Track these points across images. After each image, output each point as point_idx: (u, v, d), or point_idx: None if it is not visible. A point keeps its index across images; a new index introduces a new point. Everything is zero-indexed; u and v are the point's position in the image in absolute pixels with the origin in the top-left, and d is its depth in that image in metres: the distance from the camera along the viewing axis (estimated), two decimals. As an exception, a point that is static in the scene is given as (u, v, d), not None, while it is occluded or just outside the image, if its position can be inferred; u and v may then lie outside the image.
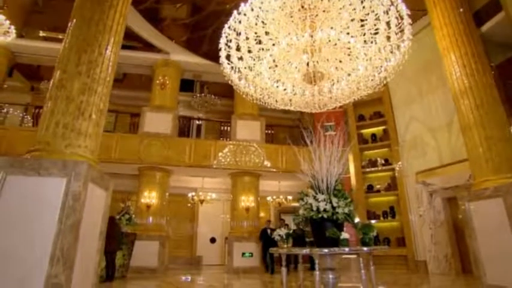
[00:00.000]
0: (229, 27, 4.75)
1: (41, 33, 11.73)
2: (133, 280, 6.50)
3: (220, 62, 5.40)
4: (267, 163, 9.96)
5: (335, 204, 3.68)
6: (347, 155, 4.24)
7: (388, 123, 9.76)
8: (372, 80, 5.20)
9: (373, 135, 10.16)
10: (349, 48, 4.68)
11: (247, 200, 9.39)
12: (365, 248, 3.33)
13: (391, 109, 9.70)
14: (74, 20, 3.74)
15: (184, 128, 11.57)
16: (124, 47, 11.17)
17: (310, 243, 3.94)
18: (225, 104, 13.66)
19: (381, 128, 10.09)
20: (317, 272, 3.20)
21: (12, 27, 8.84)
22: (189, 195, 11.73)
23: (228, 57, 5.15)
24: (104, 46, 3.67)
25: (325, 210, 3.65)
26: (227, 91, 11.66)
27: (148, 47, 11.36)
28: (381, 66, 4.97)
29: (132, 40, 11.91)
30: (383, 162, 9.64)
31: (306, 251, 3.38)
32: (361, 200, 9.13)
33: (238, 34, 4.88)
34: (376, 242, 8.50)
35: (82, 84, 3.34)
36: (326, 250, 3.20)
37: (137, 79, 13.86)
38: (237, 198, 9.63)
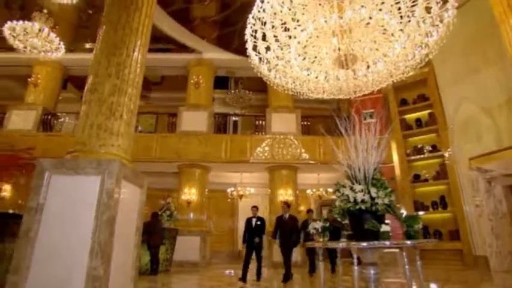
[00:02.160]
0: (253, 17, 4.64)
1: (87, 46, 12.62)
2: (176, 274, 6.77)
3: (248, 54, 5.32)
4: (305, 155, 9.72)
5: (374, 195, 3.41)
6: (386, 143, 3.92)
7: (434, 106, 8.95)
8: (411, 59, 4.74)
9: (418, 120, 9.40)
10: (382, 26, 4.31)
11: (285, 194, 9.26)
12: (408, 242, 3.04)
13: (437, 91, 8.87)
14: (104, 27, 3.90)
15: (221, 125, 11.73)
16: (159, 50, 11.78)
17: (349, 236, 3.72)
18: (260, 98, 13.62)
19: (426, 112, 9.30)
20: (355, 267, 2.99)
21: (62, 43, 9.60)
22: (229, 190, 11.92)
23: (255, 48, 5.06)
24: (131, 48, 3.77)
25: (363, 201, 3.41)
26: (261, 85, 11.56)
27: (182, 47, 11.66)
28: (422, 43, 4.51)
29: (166, 42, 12.36)
30: (430, 148, 8.88)
31: (342, 244, 3.18)
32: (407, 190, 8.51)
33: (264, 24, 4.76)
34: (426, 235, 7.92)
35: (112, 86, 3.47)
36: (364, 244, 2.97)
37: (174, 80, 14.31)
38: (274, 192, 9.55)
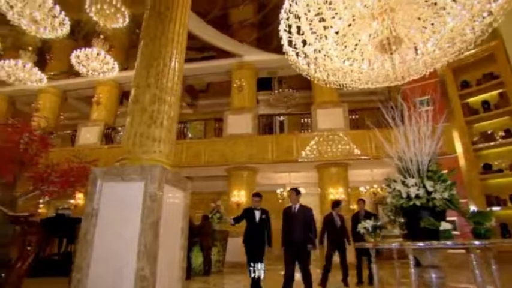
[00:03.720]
0: (285, 12, 4.51)
1: (138, 62, 13.62)
2: (229, 274, 6.89)
3: (284, 50, 5.22)
4: (355, 151, 9.21)
5: (430, 189, 3.04)
6: (445, 131, 3.49)
7: (506, 84, 7.78)
8: (470, 31, 4.14)
9: (485, 103, 8.27)
10: (426, 1, 3.85)
11: (335, 192, 8.87)
12: (476, 242, 2.62)
13: (509, 66, 7.69)
14: (142, 41, 4.13)
15: (267, 126, 11.74)
16: (204, 58, 12.25)
17: (404, 236, 3.37)
18: (305, 96, 13.35)
19: (495, 92, 8.13)
20: (412, 270, 2.67)
21: (116, 63, 10.54)
22: (278, 191, 11.84)
23: (291, 44, 4.94)
24: (168, 57, 3.93)
25: (417, 196, 3.06)
26: (305, 82, 11.34)
27: (224, 53, 11.96)
28: (483, 11, 3.91)
29: (209, 51, 12.81)
30: (503, 134, 7.72)
31: (395, 244, 2.88)
32: (475, 183, 7.52)
33: (298, 18, 4.61)
34: (504, 234, 6.86)
35: (152, 95, 3.64)
36: (421, 244, 2.65)
37: (219, 86, 14.74)
38: (324, 191, 9.22)
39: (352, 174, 9.83)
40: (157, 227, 2.88)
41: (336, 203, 6.30)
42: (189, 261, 5.91)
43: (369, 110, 10.04)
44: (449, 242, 2.62)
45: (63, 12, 8.31)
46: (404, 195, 3.17)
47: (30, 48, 11.21)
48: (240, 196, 9.62)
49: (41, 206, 11.47)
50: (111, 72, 10.37)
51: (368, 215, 5.63)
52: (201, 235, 6.44)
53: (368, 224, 3.48)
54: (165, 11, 4.12)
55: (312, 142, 9.58)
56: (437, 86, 8.61)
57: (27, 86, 11.55)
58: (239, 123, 10.67)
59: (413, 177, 3.20)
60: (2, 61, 10.54)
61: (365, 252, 5.39)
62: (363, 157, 9.12)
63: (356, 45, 4.85)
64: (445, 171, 3.28)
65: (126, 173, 3.10)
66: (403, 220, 3.37)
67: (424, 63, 4.68)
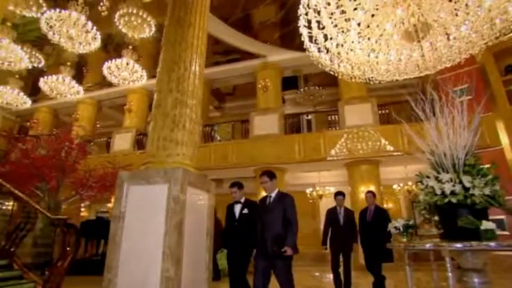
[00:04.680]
0: (303, 6, 4.40)
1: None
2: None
3: (305, 46, 5.11)
4: (387, 147, 8.79)
5: (467, 184, 2.80)
6: (482, 120, 3.20)
7: (558, 66, 7.02)
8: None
9: (534, 89, 7.52)
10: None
11: (366, 191, 8.48)
12: (525, 242, 2.36)
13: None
14: (163, 47, 4.23)
15: (294, 126, 11.59)
16: (229, 61, 12.39)
17: (440, 236, 3.12)
18: (332, 93, 13.05)
19: (546, 75, 7.36)
20: (449, 274, 2.46)
21: (144, 71, 10.99)
22: (307, 191, 11.65)
23: (313, 40, 4.82)
24: (188, 61, 3.99)
25: (453, 193, 2.84)
26: (331, 79, 11.06)
27: (248, 55, 12.00)
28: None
29: (234, 53, 12.92)
30: (558, 121, 6.97)
31: (429, 245, 2.67)
32: (527, 178, 6.83)
33: (318, 13, 4.49)
34: None
35: (174, 99, 3.71)
36: (458, 245, 2.43)
37: (245, 88, 14.81)
38: (355, 189, 8.90)
39: (384, 172, 9.39)
40: (181, 228, 2.91)
41: (337, 193, 5.12)
42: (216, 262, 5.96)
43: (400, 103, 9.55)
44: (492, 243, 2.37)
45: (94, 27, 8.80)
46: (438, 191, 2.96)
47: (68, 63, 12.04)
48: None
49: (82, 209, 12.24)
50: (140, 80, 10.83)
51: (379, 212, 5.03)
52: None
53: (399, 223, 3.26)
54: (183, 16, 4.20)
55: (342, 140, 9.29)
56: (476, 73, 7.96)
57: (67, 98, 12.44)
58: (265, 124, 10.65)
59: (447, 172, 2.97)
60: (46, 77, 11.42)
61: (385, 255, 4.71)
62: (395, 153, 8.69)
63: (381, 35, 4.62)
64: (486, 166, 3.01)
65: (151, 176, 3.18)
66: (438, 219, 3.14)
67: (457, 50, 4.33)
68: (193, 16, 4.24)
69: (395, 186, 10.57)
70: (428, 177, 3.18)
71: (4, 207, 6.79)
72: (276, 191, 3.49)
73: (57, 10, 8.49)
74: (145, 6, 11.36)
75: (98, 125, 15.44)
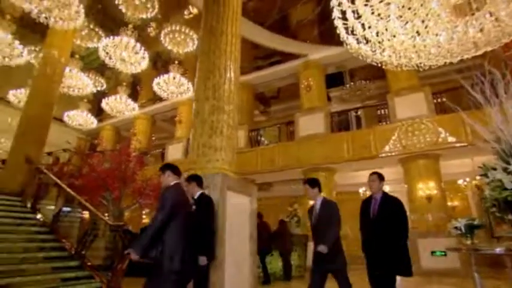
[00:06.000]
0: (336, -2, 4.21)
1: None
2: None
3: (342, 39, 4.91)
4: (447, 138, 7.93)
5: (544, 175, 2.39)
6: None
7: None
8: None
9: None
10: None
11: (426, 188, 7.76)
12: None
13: None
14: (199, 57, 4.39)
15: (341, 124, 11.14)
16: (272, 63, 12.43)
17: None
18: (380, 86, 12.30)
19: None
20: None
21: (190, 84, 11.56)
22: (360, 191, 11.06)
23: (351, 32, 4.60)
24: (223, 68, 4.08)
25: (526, 186, 2.45)
26: (378, 72, 10.45)
27: (288, 56, 11.89)
28: None
29: (273, 56, 12.95)
30: None
31: (500, 249, 2.30)
32: None
33: (352, 1, 4.27)
34: None
35: (210, 106, 3.81)
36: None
37: (289, 90, 14.70)
38: (412, 187, 8.16)
39: (446, 166, 8.47)
40: (222, 233, 2.95)
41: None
42: (265, 266, 5.91)
43: (456, 89, 8.54)
44: None
45: (142, 48, 9.53)
46: (508, 185, 2.58)
47: (124, 83, 13.26)
48: (318, 198, 9.27)
49: (144, 216, 13.22)
50: (187, 92, 11.41)
51: (389, 203, 3.36)
52: (278, 240, 6.41)
53: (460, 222, 2.89)
54: (216, 25, 4.31)
55: (391, 134, 8.64)
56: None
57: (125, 115, 13.68)
58: (311, 124, 10.41)
59: (517, 162, 2.57)
60: (107, 98, 12.71)
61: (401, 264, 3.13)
62: (457, 145, 7.78)
63: (426, 15, 4.21)
64: None
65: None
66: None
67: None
68: (224, 24, 4.33)
69: (460, 182, 9.47)
70: (494, 169, 2.80)
71: (77, 215, 7.67)
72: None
73: (111, 37, 9.40)
74: (187, 22, 12.03)
75: (154, 138, 16.63)
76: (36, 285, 3.69)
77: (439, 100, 8.59)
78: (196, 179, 3.20)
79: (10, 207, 6.08)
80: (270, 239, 6.40)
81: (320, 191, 3.49)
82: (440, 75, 9.19)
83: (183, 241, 2.47)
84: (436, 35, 4.32)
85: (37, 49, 11.37)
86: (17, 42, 9.75)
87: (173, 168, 2.82)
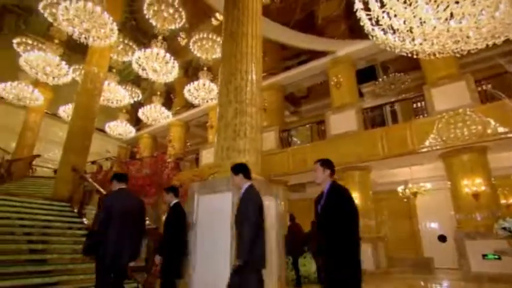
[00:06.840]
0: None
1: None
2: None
3: (366, 30, 4.75)
4: (496, 129, 7.24)
5: None
6: None
7: None
8: None
9: None
10: None
11: (472, 184, 7.13)
12: None
13: None
14: (222, 62, 4.47)
15: (375, 120, 10.67)
16: (300, 63, 12.30)
17: None
18: (416, 77, 11.64)
19: None
20: None
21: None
22: (399, 189, 10.49)
23: (376, 23, 4.43)
24: (244, 70, 4.12)
25: None
26: (413, 62, 9.87)
27: (317, 53, 11.66)
28: None
29: (300, 56, 12.81)
30: None
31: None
32: None
33: (375, -8, 4.11)
34: None
35: (233, 109, 3.86)
36: None
37: (319, 89, 14.45)
38: (456, 183, 7.54)
39: (495, 159, 7.73)
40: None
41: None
42: (298, 268, 5.81)
43: (501, 75, 7.75)
44: None
45: (172, 58, 9.94)
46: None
47: (158, 93, 13.90)
48: (354, 198, 8.95)
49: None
50: (216, 97, 11.67)
51: (332, 194, 2.71)
52: (311, 242, 6.28)
53: (508, 223, 2.61)
54: (236, 29, 4.36)
55: (430, 127, 8.08)
56: None
57: (160, 123, 14.33)
58: (342, 122, 10.10)
59: None
60: (143, 108, 13.43)
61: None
62: (509, 135, 7.07)
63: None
64: None
65: (216, 185, 3.35)
66: None
67: None
68: (245, 26, 4.37)
69: (515, 176, 8.61)
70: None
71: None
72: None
73: (143, 50, 9.92)
74: (214, 29, 12.34)
75: (188, 143, 17.21)
76: (81, 283, 3.99)
77: (484, 87, 7.87)
78: (173, 190, 3.51)
79: (61, 212, 6.66)
80: (302, 240, 6.30)
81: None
82: (482, 61, 8.46)
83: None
84: (474, 15, 3.98)
85: (80, 67, 12.36)
86: (63, 62, 10.67)
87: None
